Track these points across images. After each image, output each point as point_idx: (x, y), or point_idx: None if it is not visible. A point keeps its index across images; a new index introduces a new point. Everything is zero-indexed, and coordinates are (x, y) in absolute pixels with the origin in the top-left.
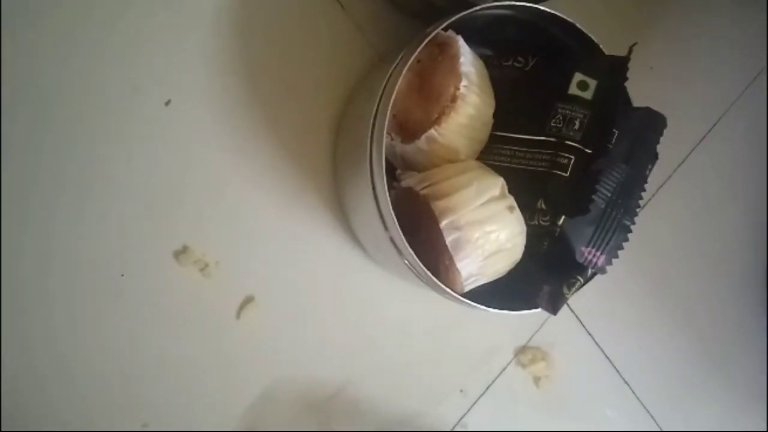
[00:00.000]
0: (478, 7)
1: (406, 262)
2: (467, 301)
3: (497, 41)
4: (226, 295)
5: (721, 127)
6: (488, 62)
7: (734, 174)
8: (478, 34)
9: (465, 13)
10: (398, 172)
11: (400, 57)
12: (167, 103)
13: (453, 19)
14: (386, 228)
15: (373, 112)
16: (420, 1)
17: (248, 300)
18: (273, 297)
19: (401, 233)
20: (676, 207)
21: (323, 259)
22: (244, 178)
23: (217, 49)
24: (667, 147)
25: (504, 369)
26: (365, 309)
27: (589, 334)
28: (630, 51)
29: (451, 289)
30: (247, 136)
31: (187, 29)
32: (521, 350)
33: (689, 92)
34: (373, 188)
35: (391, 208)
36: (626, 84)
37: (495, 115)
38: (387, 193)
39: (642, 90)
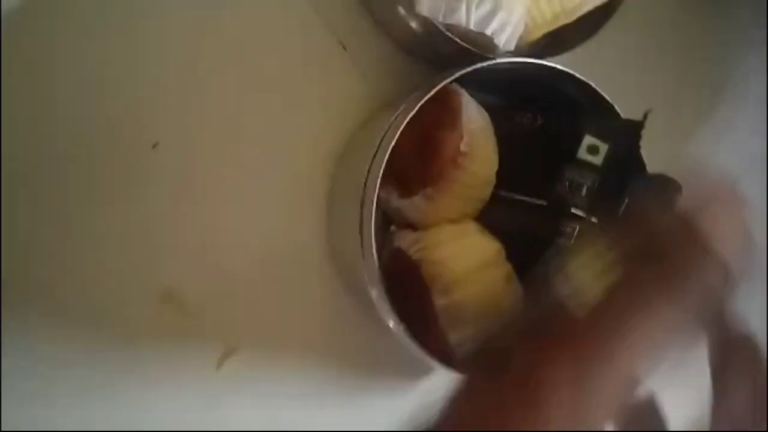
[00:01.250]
0: (486, 63)
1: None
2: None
3: (505, 90)
4: (208, 343)
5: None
6: (494, 114)
7: None
8: (487, 82)
9: (471, 68)
10: (392, 228)
11: (399, 111)
12: (155, 146)
13: (458, 74)
14: (372, 290)
15: (366, 169)
16: (428, 47)
17: (231, 350)
18: (256, 348)
19: (386, 297)
20: None
21: (312, 313)
22: (232, 225)
23: (206, 86)
24: None
25: None
26: (355, 365)
27: None
28: (645, 116)
29: (440, 353)
30: (237, 178)
31: (177, 63)
32: None
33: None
34: (362, 249)
35: (378, 272)
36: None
37: (498, 173)
38: (375, 256)
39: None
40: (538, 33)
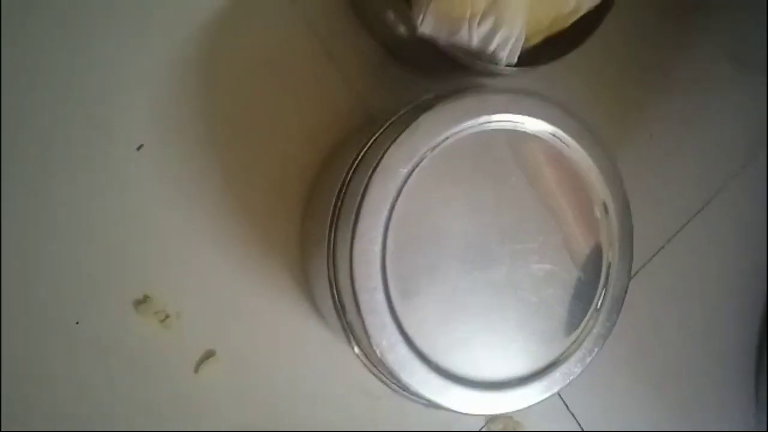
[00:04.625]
0: (461, 94)
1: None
2: (433, 400)
3: None
4: (186, 348)
5: (719, 201)
6: None
7: (732, 247)
8: None
9: (449, 101)
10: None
11: (373, 138)
12: (139, 148)
13: (441, 105)
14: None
15: (338, 189)
16: (421, 56)
17: (209, 354)
18: (234, 354)
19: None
20: (666, 279)
21: (284, 326)
22: (211, 233)
23: (192, 95)
24: (662, 216)
25: None
26: (321, 381)
27: (565, 404)
28: None
29: None
30: (218, 190)
31: (165, 72)
32: (492, 418)
33: (689, 162)
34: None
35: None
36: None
37: None
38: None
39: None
40: (535, 39)
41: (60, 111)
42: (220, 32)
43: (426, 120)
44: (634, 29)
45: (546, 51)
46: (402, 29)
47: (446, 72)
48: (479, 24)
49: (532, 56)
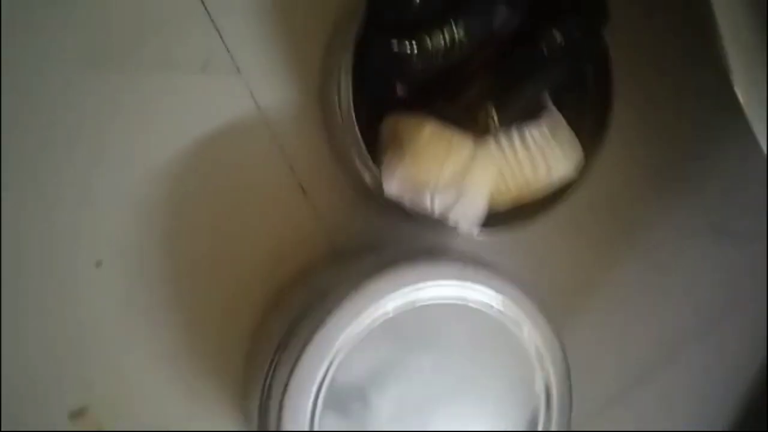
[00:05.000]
0: (410, 261)
1: None
2: None
3: None
4: None
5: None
6: None
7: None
8: None
9: (396, 266)
10: None
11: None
12: (98, 265)
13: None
14: None
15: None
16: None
17: None
18: None
19: None
20: None
21: None
22: (159, 358)
23: (158, 217)
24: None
25: None
26: None
27: None
28: None
29: None
30: (170, 314)
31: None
32: None
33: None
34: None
35: None
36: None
37: None
38: None
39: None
40: (503, 206)
41: (22, 217)
42: (194, 157)
43: (369, 286)
44: (606, 201)
45: (514, 214)
46: (371, 182)
47: (414, 222)
48: (442, 193)
49: (500, 219)
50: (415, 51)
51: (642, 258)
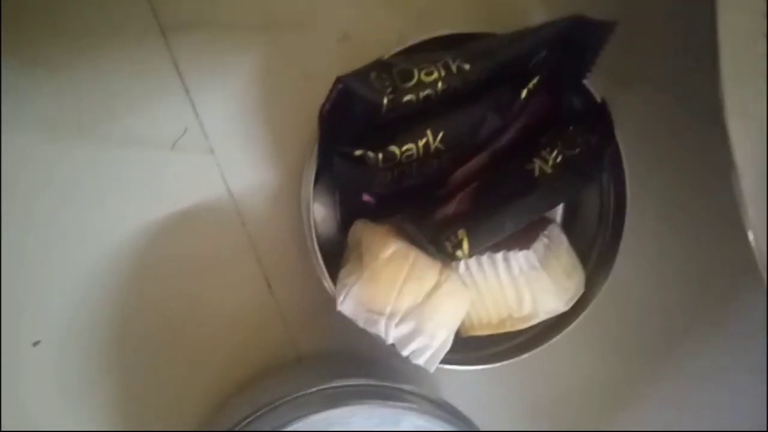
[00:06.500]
0: (357, 399)
1: None
2: None
3: None
4: None
5: None
6: None
7: None
8: None
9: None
10: None
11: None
12: (36, 344)
13: None
14: None
15: None
16: None
17: None
18: None
19: None
20: None
21: None
22: None
23: (106, 296)
24: None
25: None
26: None
27: None
28: None
29: None
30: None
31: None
32: None
33: None
34: None
35: None
36: None
37: None
38: None
39: None
40: (478, 332)
41: None
42: (156, 238)
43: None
44: (590, 354)
45: (487, 347)
46: (330, 293)
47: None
48: (397, 325)
49: (477, 346)
50: (380, 161)
51: None
